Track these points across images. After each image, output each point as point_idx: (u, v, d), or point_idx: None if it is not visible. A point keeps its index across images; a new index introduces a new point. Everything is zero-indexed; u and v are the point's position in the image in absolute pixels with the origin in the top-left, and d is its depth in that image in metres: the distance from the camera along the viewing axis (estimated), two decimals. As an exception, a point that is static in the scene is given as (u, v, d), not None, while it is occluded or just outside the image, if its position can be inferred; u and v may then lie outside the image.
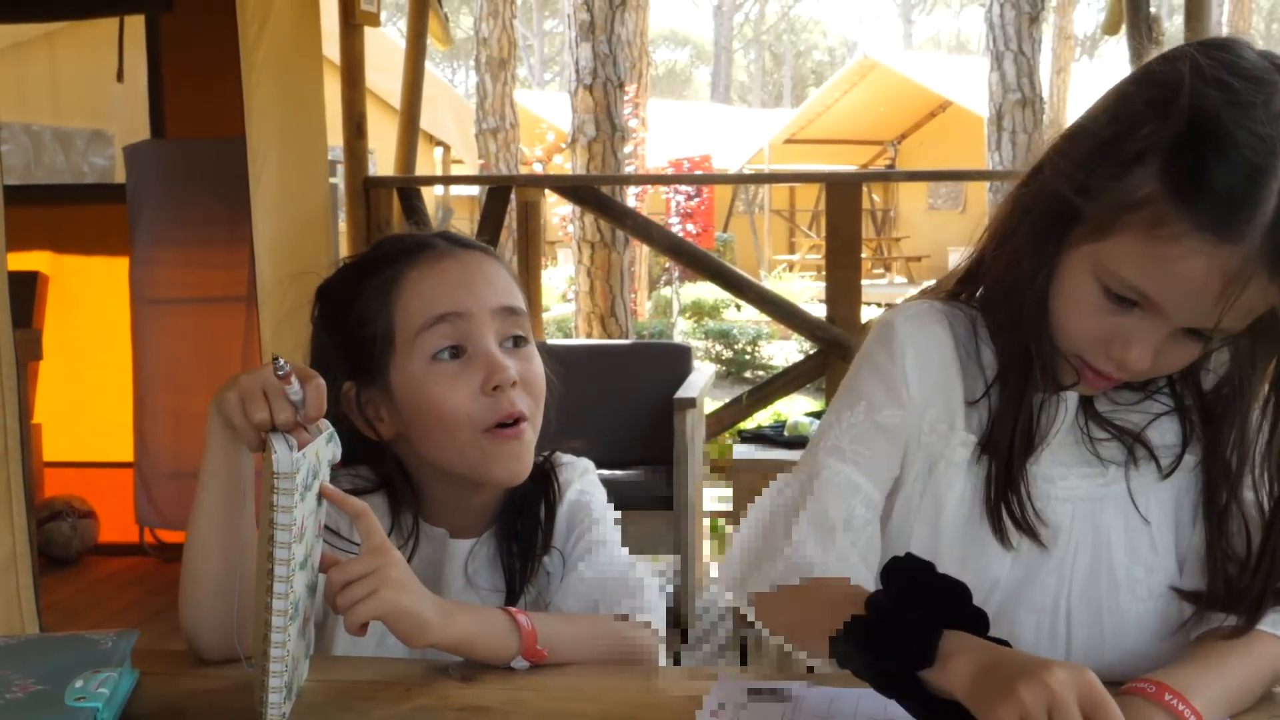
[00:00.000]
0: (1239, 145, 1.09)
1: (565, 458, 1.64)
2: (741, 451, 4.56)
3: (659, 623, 1.46)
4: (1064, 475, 1.28)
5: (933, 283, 1.41)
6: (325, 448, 1.23)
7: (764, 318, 10.43)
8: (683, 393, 4.46)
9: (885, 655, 1.07)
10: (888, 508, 1.33)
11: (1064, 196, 1.18)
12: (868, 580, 1.22)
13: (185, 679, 1.30)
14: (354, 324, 1.50)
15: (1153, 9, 4.96)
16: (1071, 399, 1.29)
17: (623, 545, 1.55)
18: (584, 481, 1.62)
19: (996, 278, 1.29)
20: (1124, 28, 4.93)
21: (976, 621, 1.07)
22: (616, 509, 1.61)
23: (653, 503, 4.35)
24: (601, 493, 1.63)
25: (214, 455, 1.29)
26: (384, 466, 1.50)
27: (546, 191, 6.02)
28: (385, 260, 1.52)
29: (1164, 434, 1.29)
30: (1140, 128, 1.14)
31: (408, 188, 5.24)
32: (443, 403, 1.45)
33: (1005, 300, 1.27)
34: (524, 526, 1.54)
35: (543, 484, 1.58)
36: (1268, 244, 1.08)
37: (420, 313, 1.47)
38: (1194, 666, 1.17)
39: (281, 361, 1.18)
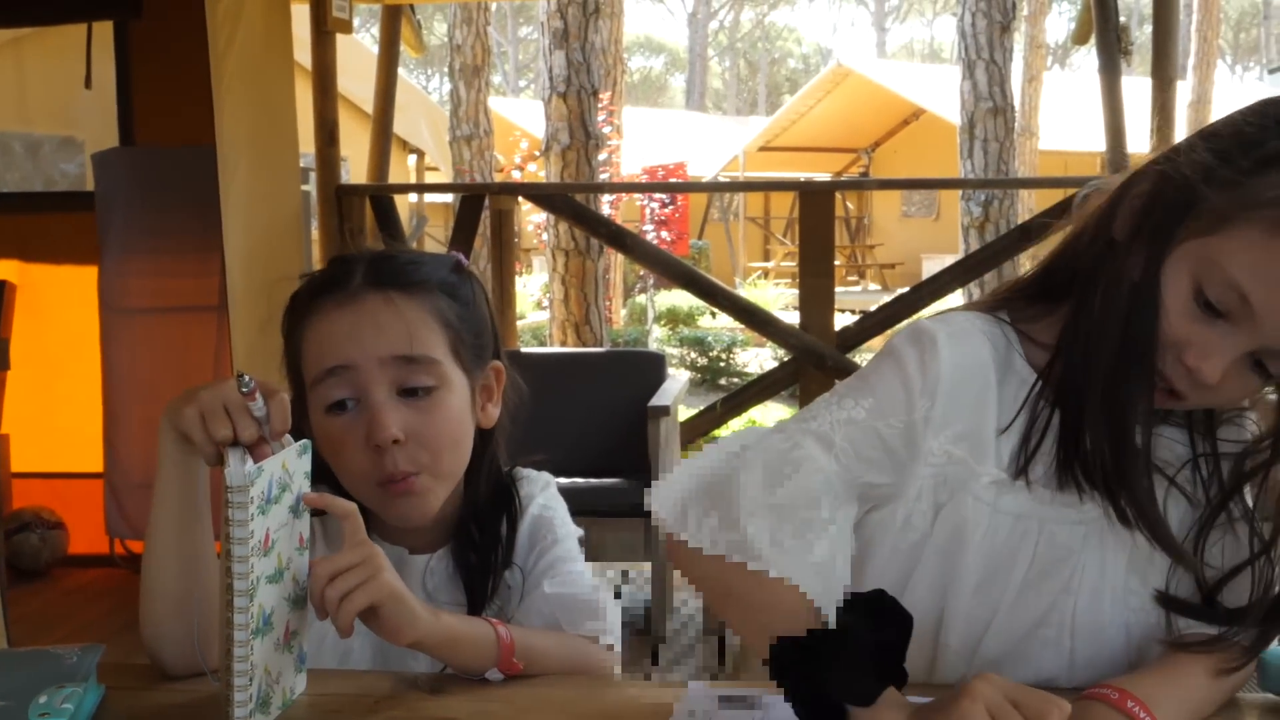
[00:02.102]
0: None
1: (526, 472, 1.62)
2: (715, 458, 4.54)
3: (618, 645, 1.45)
4: (1080, 501, 1.25)
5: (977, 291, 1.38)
6: (296, 460, 1.22)
7: (739, 325, 10.45)
8: (656, 400, 4.45)
9: (828, 681, 1.05)
10: (872, 522, 1.28)
11: (1190, 184, 1.16)
12: (813, 585, 1.13)
13: (152, 694, 1.29)
14: (288, 355, 1.50)
15: (1121, 19, 4.98)
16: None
17: (586, 559, 1.54)
18: (545, 496, 1.60)
19: (1090, 272, 1.23)
20: (1093, 37, 4.96)
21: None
22: (590, 516, 1.60)
23: (627, 510, 4.33)
24: (563, 507, 1.62)
25: (168, 469, 1.27)
26: (335, 490, 1.49)
27: (520, 199, 6.01)
28: (302, 296, 1.50)
29: (1174, 450, 1.27)
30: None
31: (380, 195, 5.22)
32: (334, 456, 1.43)
33: (1102, 300, 1.20)
34: (483, 541, 1.53)
35: (504, 498, 1.57)
36: None
37: (314, 364, 1.45)
38: (1159, 675, 1.17)
39: (246, 378, 1.17)
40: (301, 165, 4.32)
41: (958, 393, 1.24)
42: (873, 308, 5.69)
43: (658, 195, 14.41)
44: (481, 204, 5.25)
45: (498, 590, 1.51)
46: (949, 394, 1.23)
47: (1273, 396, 1.26)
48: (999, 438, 1.24)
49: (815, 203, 5.02)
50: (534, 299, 14.83)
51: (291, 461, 1.21)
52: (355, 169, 8.05)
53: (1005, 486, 1.25)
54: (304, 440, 1.25)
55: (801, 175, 16.87)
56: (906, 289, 5.56)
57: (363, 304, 1.45)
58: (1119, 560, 1.26)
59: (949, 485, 1.25)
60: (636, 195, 15.63)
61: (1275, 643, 1.23)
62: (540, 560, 1.53)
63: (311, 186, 5.09)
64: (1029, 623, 1.27)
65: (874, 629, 1.06)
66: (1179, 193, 1.16)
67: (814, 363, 4.88)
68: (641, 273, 14.11)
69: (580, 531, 1.61)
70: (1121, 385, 1.19)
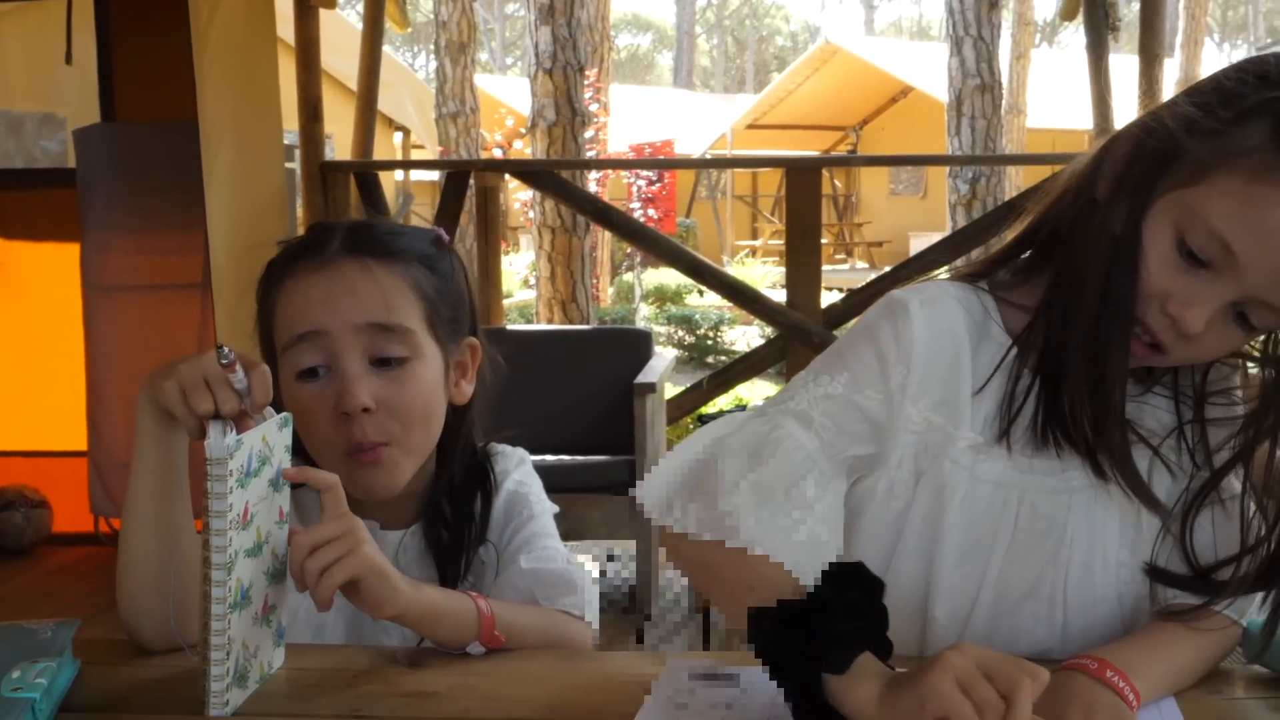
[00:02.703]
0: None
1: (501, 448, 1.61)
2: (702, 436, 4.53)
3: (594, 619, 1.45)
4: (1063, 469, 1.25)
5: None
6: (276, 433, 1.21)
7: (726, 303, 10.43)
8: (643, 378, 4.44)
9: (803, 650, 1.04)
10: (857, 492, 1.28)
11: (1171, 136, 1.16)
12: (796, 561, 1.12)
13: (128, 668, 1.27)
14: (261, 323, 1.48)
15: (1109, -7, 4.97)
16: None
17: (572, 537, 1.53)
18: (520, 472, 1.59)
19: (1071, 231, 1.23)
20: (1081, 13, 4.95)
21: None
22: (576, 493, 1.59)
23: (613, 488, 4.34)
24: (538, 483, 1.61)
25: (146, 444, 1.25)
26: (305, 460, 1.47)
27: (507, 177, 5.98)
28: (278, 261, 1.48)
29: (1159, 418, 1.27)
30: (1267, 89, 1.14)
31: (365, 172, 5.19)
32: (302, 424, 1.41)
33: (1082, 256, 1.21)
34: (456, 518, 1.51)
35: (479, 475, 1.56)
36: None
37: (286, 329, 1.43)
38: (1140, 646, 1.17)
39: (226, 350, 1.16)
40: (286, 143, 4.30)
41: (932, 358, 1.25)
42: (859, 285, 5.69)
43: (645, 173, 14.38)
44: (467, 181, 5.23)
45: (471, 567, 1.51)
46: (924, 360, 1.24)
47: (1255, 369, 1.26)
48: (974, 400, 1.25)
49: (802, 180, 5.00)
50: (521, 277, 14.81)
51: (272, 435, 1.20)
52: (340, 147, 8.01)
53: (983, 452, 1.25)
54: (285, 414, 1.23)
55: (789, 153, 16.84)
56: (893, 267, 5.56)
57: (339, 269, 1.43)
58: (1108, 532, 1.25)
59: (929, 452, 1.26)
60: (623, 173, 15.59)
61: (1258, 613, 1.22)
62: (516, 536, 1.52)
63: (296, 164, 5.06)
64: (1018, 595, 1.26)
65: (851, 599, 1.05)
66: (1160, 145, 1.17)
67: (801, 340, 4.87)
68: (629, 250, 14.08)
69: (555, 508, 1.60)
70: (1101, 339, 1.19)
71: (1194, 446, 1.26)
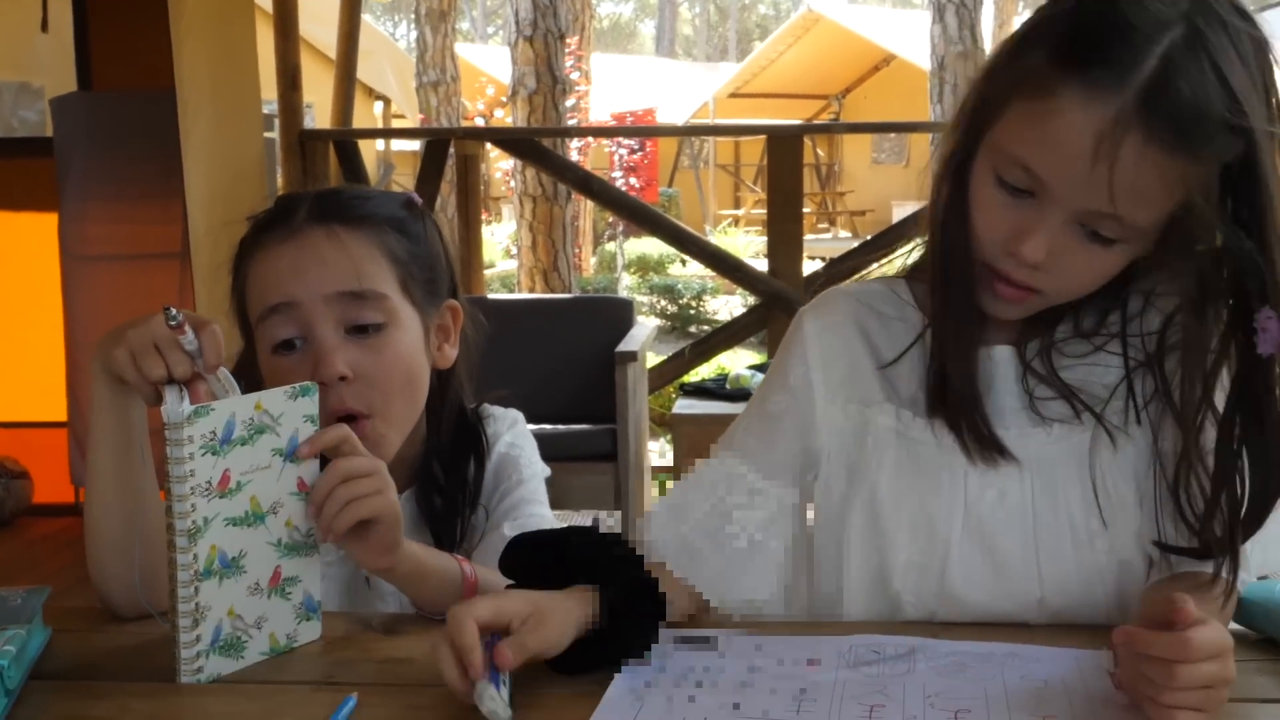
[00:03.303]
0: (1122, 9, 1.10)
1: (493, 409, 1.60)
2: (683, 405, 4.56)
3: None
4: (1006, 436, 1.26)
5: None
6: (287, 402, 1.19)
7: (709, 273, 10.41)
8: (624, 346, 4.43)
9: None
10: (816, 493, 1.35)
11: (982, 81, 1.20)
12: (680, 561, 1.31)
13: (100, 635, 1.28)
14: (234, 296, 1.47)
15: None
16: (1003, 356, 1.28)
17: (553, 506, 1.53)
18: (513, 434, 1.58)
19: (929, 205, 1.27)
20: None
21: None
22: (558, 462, 1.59)
23: (595, 457, 4.34)
24: (532, 445, 1.60)
25: (102, 412, 1.24)
26: None
27: (488, 146, 5.95)
28: (249, 235, 1.47)
29: (1110, 383, 1.27)
30: (1041, 15, 1.17)
31: (344, 141, 5.16)
32: None
33: (930, 215, 1.26)
34: (448, 483, 1.51)
35: (470, 438, 1.55)
36: (1143, 103, 1.07)
37: (258, 302, 1.42)
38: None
39: (173, 311, 1.14)
40: (266, 112, 4.27)
41: (830, 353, 1.33)
42: (841, 253, 5.68)
43: (626, 141, 14.33)
44: (447, 149, 5.20)
45: (466, 533, 1.50)
46: (820, 355, 1.33)
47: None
48: (884, 375, 1.31)
49: (784, 148, 4.98)
50: (503, 247, 14.77)
51: (276, 403, 1.18)
52: (320, 116, 7.97)
53: (914, 428, 1.29)
54: (305, 383, 1.22)
55: (771, 122, 16.81)
56: (875, 235, 5.55)
57: (306, 238, 1.42)
58: (1071, 501, 1.26)
59: (855, 438, 1.31)
60: (605, 142, 15.53)
61: (1253, 578, 1.23)
62: (504, 500, 1.52)
63: (276, 134, 5.03)
64: (986, 570, 1.28)
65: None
66: (975, 93, 1.21)
67: (782, 308, 4.86)
68: (611, 220, 14.05)
69: (547, 471, 1.60)
70: (948, 293, 1.24)
71: (1147, 403, 1.25)
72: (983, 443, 1.25)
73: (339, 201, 1.47)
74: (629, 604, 1.17)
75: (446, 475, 1.52)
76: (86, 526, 1.28)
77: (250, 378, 1.37)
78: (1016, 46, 1.17)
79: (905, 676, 1.13)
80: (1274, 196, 1.12)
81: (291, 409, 1.20)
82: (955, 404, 1.26)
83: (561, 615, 1.13)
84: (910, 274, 1.35)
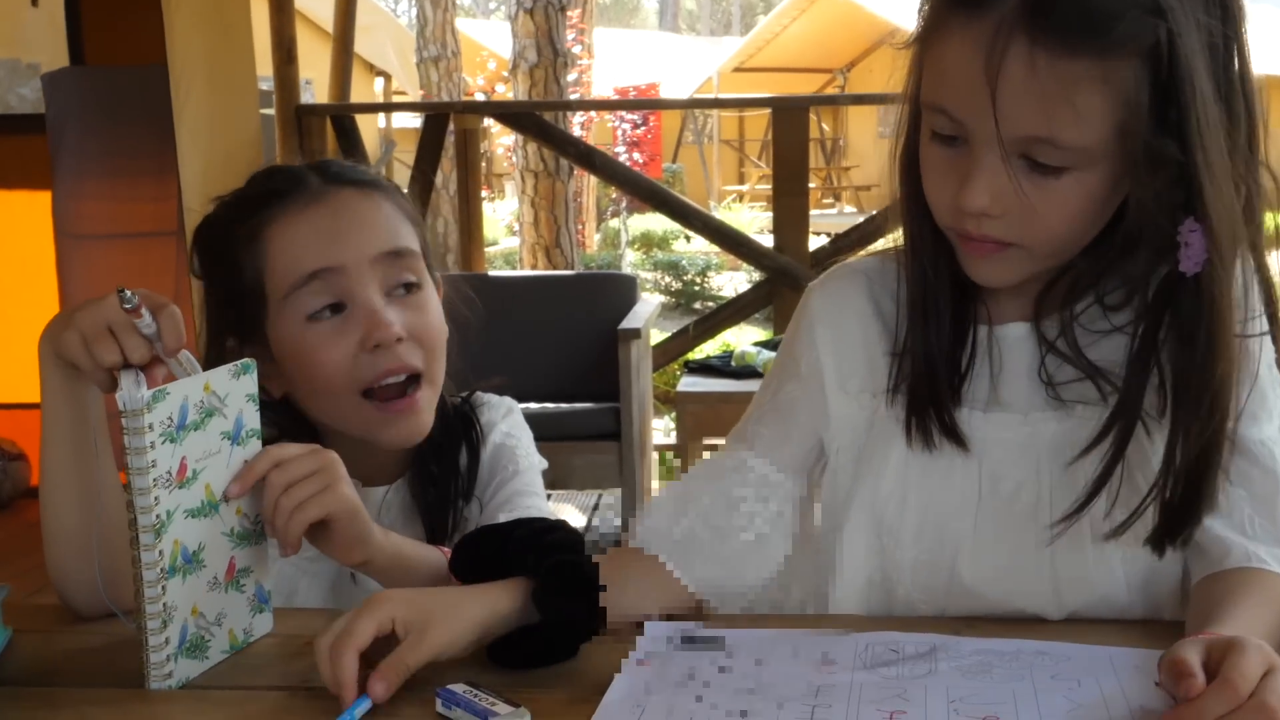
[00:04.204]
0: None
1: (487, 397, 1.54)
2: (687, 383, 4.48)
3: None
4: (1021, 423, 1.19)
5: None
6: (230, 381, 1.11)
7: (713, 249, 10.32)
8: (627, 323, 4.36)
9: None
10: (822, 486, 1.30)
11: (909, 65, 1.16)
12: (674, 556, 1.25)
13: (64, 636, 1.20)
14: (227, 274, 1.38)
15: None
16: (1015, 334, 1.19)
17: (557, 486, 1.46)
18: (509, 423, 1.52)
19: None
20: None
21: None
22: (561, 441, 1.53)
23: (598, 436, 4.27)
24: (528, 436, 1.54)
25: (53, 400, 1.16)
26: (280, 418, 1.39)
27: (493, 122, 5.87)
28: (253, 203, 1.38)
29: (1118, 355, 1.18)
30: None
31: (342, 116, 5.08)
32: (321, 364, 1.33)
33: (903, 218, 1.21)
34: (441, 471, 1.44)
35: (463, 427, 1.48)
36: (1022, 8, 1.01)
37: (290, 270, 1.34)
38: (1229, 619, 1.04)
39: (128, 293, 1.06)
40: (265, 89, 4.19)
41: (840, 336, 1.26)
42: (846, 228, 5.59)
43: (629, 116, 14.23)
44: (446, 124, 5.13)
45: (458, 525, 1.44)
46: (831, 339, 1.26)
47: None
48: (892, 359, 1.22)
49: (789, 120, 4.91)
50: (505, 224, 14.67)
51: (221, 383, 1.10)
52: (320, 93, 7.87)
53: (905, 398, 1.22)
54: (244, 360, 1.14)
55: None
56: (880, 209, 5.45)
57: (339, 201, 1.37)
58: (1088, 488, 1.17)
59: (866, 432, 1.25)
60: (608, 117, 15.42)
61: None
62: (499, 492, 1.46)
63: (274, 111, 4.96)
64: (999, 566, 1.20)
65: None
66: (908, 75, 1.16)
67: (788, 284, 4.79)
68: (614, 195, 13.95)
69: (544, 463, 1.53)
70: (916, 262, 1.19)
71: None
72: (945, 432, 1.19)
73: (346, 168, 1.42)
74: (554, 593, 1.09)
75: (439, 465, 1.45)
76: (43, 523, 1.20)
77: (246, 349, 1.32)
78: (920, 7, 1.13)
79: (927, 678, 1.05)
80: (1200, 91, 1.02)
81: (235, 388, 1.12)
82: (921, 389, 1.19)
83: (453, 616, 1.06)
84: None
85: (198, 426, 1.08)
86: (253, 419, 1.14)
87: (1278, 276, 1.17)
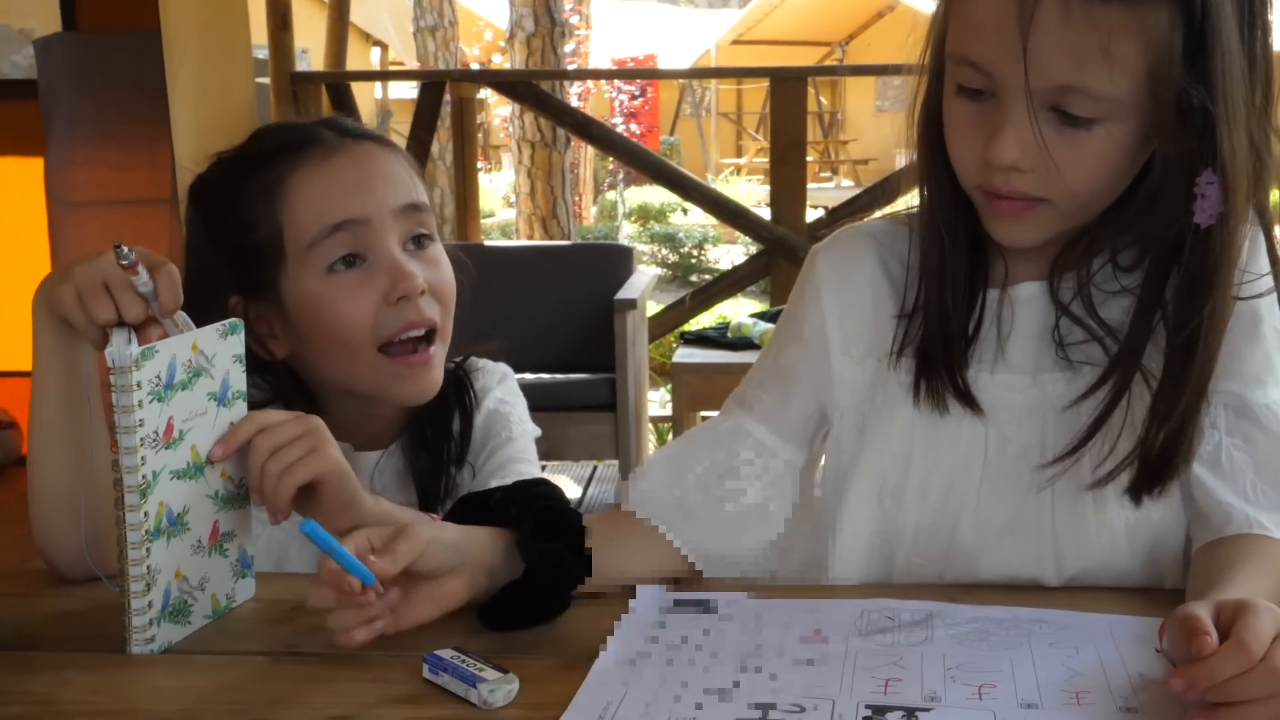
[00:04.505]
0: None
1: (482, 363, 1.52)
2: (683, 354, 4.46)
3: None
4: (1030, 385, 1.17)
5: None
6: (218, 341, 1.09)
7: (711, 221, 10.30)
8: (623, 294, 4.34)
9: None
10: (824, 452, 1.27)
11: (932, 22, 1.15)
12: (670, 521, 1.22)
13: (46, 600, 1.18)
14: (235, 230, 1.35)
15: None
16: (1028, 294, 1.17)
17: (553, 456, 1.45)
18: (503, 389, 1.50)
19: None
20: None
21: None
22: (557, 411, 1.52)
23: (594, 406, 4.25)
24: (522, 403, 1.52)
25: (46, 357, 1.14)
26: (277, 380, 1.37)
27: (490, 94, 5.84)
28: (267, 157, 1.35)
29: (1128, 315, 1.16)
30: None
31: (337, 84, 5.04)
32: (342, 317, 1.32)
33: (920, 178, 1.18)
34: (434, 436, 1.43)
35: (457, 392, 1.46)
36: None
37: (312, 222, 1.32)
38: (1232, 584, 1.02)
39: (125, 249, 1.04)
40: (260, 58, 4.16)
41: (847, 301, 1.23)
42: (843, 201, 5.57)
43: (627, 88, 14.16)
44: (442, 92, 5.08)
45: (451, 491, 1.42)
46: (837, 304, 1.23)
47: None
48: (900, 322, 1.20)
49: (787, 91, 4.87)
50: (503, 195, 14.61)
51: (209, 343, 1.08)
52: (316, 62, 7.82)
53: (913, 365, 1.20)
54: (232, 320, 1.12)
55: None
56: (877, 181, 5.43)
57: (361, 153, 1.36)
58: (1093, 449, 1.15)
59: (870, 397, 1.22)
60: (605, 88, 15.36)
61: None
62: (491, 458, 1.44)
63: (269, 79, 4.91)
64: (998, 529, 1.19)
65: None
66: (929, 32, 1.15)
67: (785, 255, 4.77)
68: (611, 167, 13.90)
69: (538, 431, 1.52)
70: (942, 247, 1.16)
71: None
72: (958, 394, 1.17)
73: (352, 124, 1.42)
74: (538, 538, 1.08)
75: (433, 430, 1.43)
76: (30, 483, 1.18)
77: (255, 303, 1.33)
78: None
79: (923, 645, 1.04)
80: (1229, 39, 1.01)
81: (223, 348, 1.10)
82: (934, 352, 1.17)
83: (433, 531, 1.05)
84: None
85: (185, 386, 1.06)
86: (239, 381, 1.12)
87: None
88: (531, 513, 1.10)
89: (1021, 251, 1.16)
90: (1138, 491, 1.13)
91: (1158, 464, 1.11)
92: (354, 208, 1.32)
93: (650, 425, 5.20)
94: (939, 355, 1.17)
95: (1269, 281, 1.14)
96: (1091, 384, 1.13)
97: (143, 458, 1.01)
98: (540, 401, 1.53)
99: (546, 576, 1.08)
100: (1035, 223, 1.11)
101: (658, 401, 5.76)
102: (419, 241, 1.37)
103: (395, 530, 1.03)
